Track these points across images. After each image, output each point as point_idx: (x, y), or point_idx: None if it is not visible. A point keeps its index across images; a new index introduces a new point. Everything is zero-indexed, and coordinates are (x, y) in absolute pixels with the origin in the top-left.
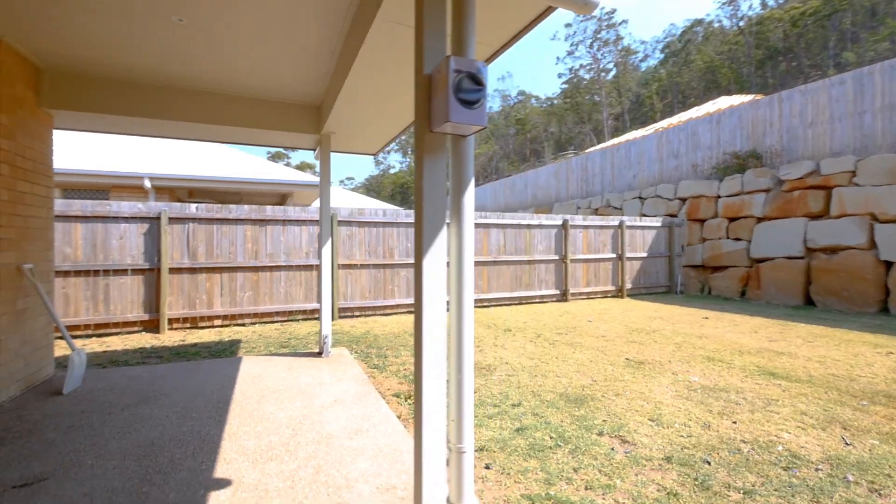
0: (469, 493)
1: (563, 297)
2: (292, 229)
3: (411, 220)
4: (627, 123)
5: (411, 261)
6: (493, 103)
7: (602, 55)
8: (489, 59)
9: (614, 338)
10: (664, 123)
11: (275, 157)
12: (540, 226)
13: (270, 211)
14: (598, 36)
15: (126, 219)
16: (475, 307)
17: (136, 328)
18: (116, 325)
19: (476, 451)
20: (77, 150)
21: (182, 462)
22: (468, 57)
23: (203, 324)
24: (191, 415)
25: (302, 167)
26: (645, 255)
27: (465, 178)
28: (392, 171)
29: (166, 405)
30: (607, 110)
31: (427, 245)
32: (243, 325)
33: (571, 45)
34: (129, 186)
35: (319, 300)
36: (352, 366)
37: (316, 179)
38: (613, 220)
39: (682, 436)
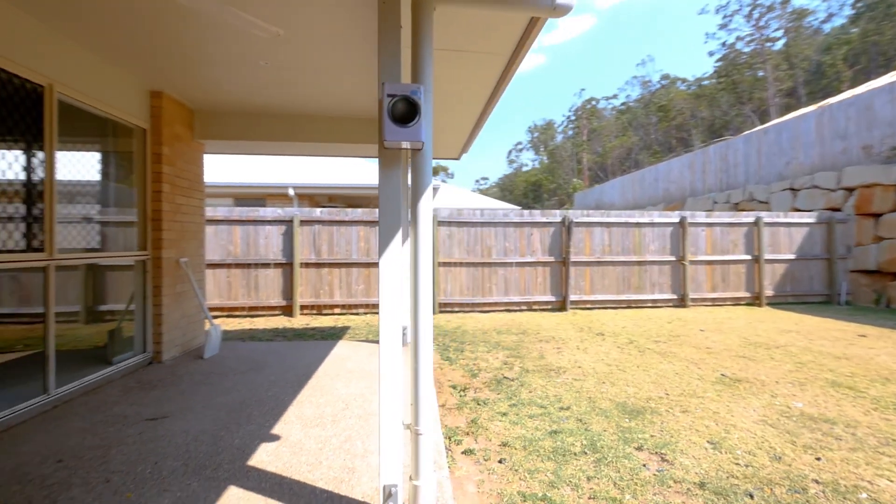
0: (426, 471)
1: (680, 302)
2: None
3: (508, 220)
4: (803, 98)
5: (510, 259)
6: (631, 91)
7: (765, 23)
8: (508, 68)
9: (720, 351)
10: (846, 95)
11: None
12: (651, 224)
13: (378, 213)
14: (758, 2)
15: (269, 222)
16: (577, 309)
17: (276, 312)
18: (262, 308)
19: (498, 446)
20: (244, 167)
21: (255, 418)
22: (424, 83)
23: (326, 311)
24: (278, 383)
25: (436, 170)
26: (792, 256)
27: (421, 187)
28: (524, 168)
29: (266, 374)
30: (774, 86)
31: (383, 247)
32: (357, 314)
33: (724, 17)
34: (278, 195)
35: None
36: None
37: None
38: (747, 217)
39: (737, 464)
